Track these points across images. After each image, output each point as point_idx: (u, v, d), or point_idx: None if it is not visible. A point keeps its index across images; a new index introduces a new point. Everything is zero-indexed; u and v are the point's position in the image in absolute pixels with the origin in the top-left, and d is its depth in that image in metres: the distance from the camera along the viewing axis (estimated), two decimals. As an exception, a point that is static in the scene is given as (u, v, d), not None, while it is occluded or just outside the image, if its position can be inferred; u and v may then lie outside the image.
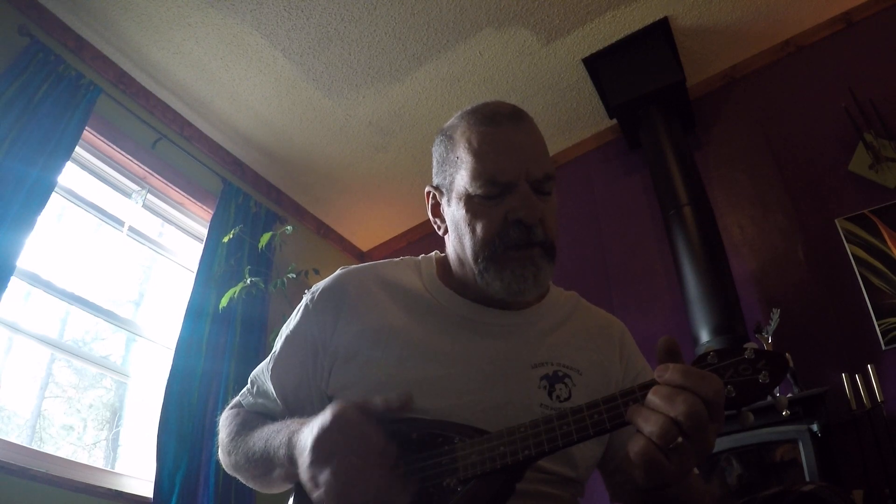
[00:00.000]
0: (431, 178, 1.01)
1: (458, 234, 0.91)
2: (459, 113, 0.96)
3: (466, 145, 0.89)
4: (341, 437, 0.72)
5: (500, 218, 0.86)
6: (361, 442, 0.72)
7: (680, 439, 0.63)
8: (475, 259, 0.88)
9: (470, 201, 0.88)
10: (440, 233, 0.99)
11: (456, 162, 0.90)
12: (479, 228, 0.87)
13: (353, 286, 0.95)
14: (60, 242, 2.67)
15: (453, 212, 0.92)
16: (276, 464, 0.83)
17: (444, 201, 0.95)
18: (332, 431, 0.73)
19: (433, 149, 0.99)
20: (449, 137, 0.94)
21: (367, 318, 0.91)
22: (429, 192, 1.00)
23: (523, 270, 0.85)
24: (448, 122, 0.98)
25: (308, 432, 0.76)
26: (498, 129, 0.88)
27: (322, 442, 0.73)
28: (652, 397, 0.65)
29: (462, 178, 0.89)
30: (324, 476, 0.71)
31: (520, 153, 0.87)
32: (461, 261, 0.93)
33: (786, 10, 2.95)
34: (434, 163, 0.98)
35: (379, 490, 0.71)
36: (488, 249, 0.86)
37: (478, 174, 0.86)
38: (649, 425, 0.63)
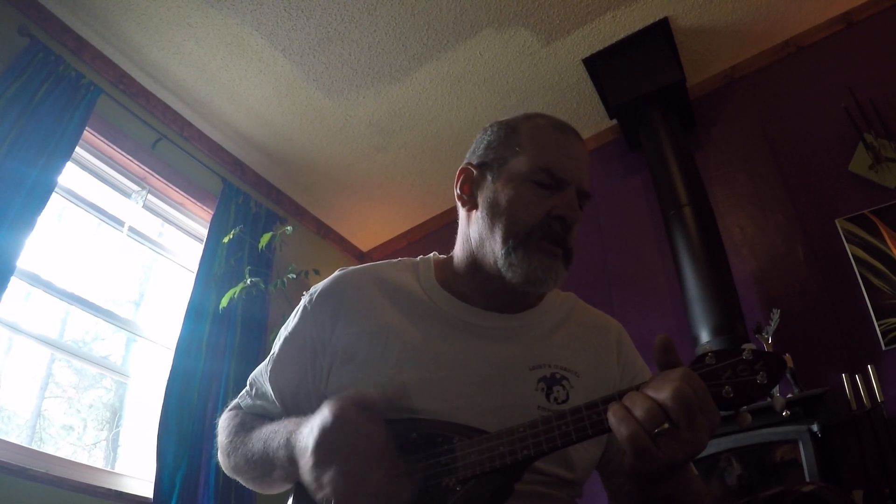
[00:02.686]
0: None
1: (493, 212, 0.92)
2: (523, 114, 1.00)
3: (534, 137, 0.94)
4: (343, 437, 0.73)
5: (545, 210, 0.89)
6: (363, 441, 0.72)
7: (666, 425, 0.63)
8: (506, 238, 0.89)
9: (523, 184, 0.91)
10: (465, 208, 0.99)
11: (515, 148, 0.94)
12: (524, 212, 0.89)
13: (351, 288, 0.95)
14: (60, 242, 2.67)
15: (497, 189, 0.93)
16: (276, 465, 0.83)
17: (487, 178, 0.96)
18: (333, 432, 0.73)
19: (481, 135, 1.01)
20: (512, 128, 0.97)
21: (365, 319, 0.91)
22: (464, 169, 1.00)
23: (551, 263, 0.89)
24: (508, 118, 1.00)
25: (308, 433, 0.76)
26: (566, 137, 0.95)
27: (324, 443, 0.73)
28: (644, 388, 0.67)
29: (520, 163, 0.92)
30: (328, 477, 0.71)
31: (579, 161, 0.93)
32: (482, 239, 0.93)
33: (786, 10, 2.95)
34: (480, 145, 1.00)
35: (383, 487, 0.71)
36: (524, 233, 0.88)
37: (539, 162, 0.91)
38: (636, 409, 0.65)
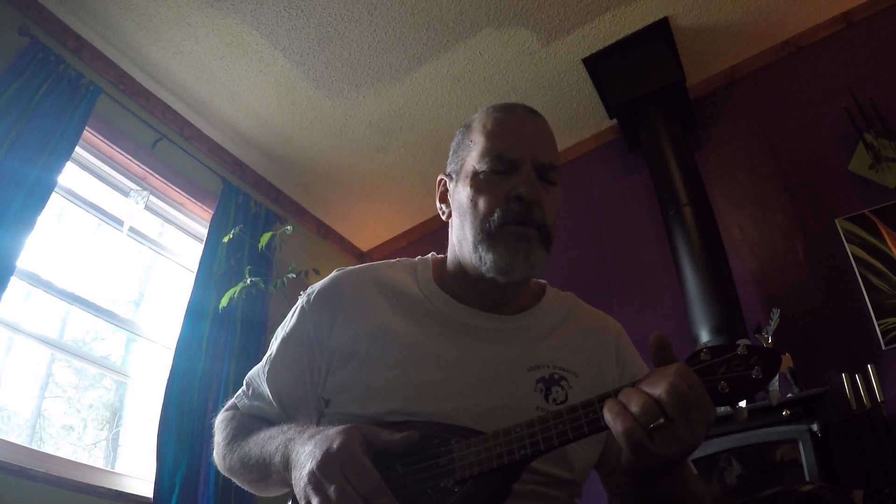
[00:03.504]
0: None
1: (460, 213, 0.93)
2: (482, 109, 1.01)
3: (481, 129, 0.95)
4: (341, 468, 0.71)
5: (503, 195, 0.89)
6: (360, 478, 0.71)
7: (662, 420, 0.63)
8: (474, 234, 0.90)
9: (476, 178, 0.92)
10: (444, 217, 1.01)
11: (469, 145, 0.95)
12: (481, 203, 0.90)
13: (350, 288, 0.95)
14: (60, 242, 2.67)
15: (459, 192, 0.94)
16: (272, 470, 0.83)
17: (452, 186, 0.98)
18: (334, 461, 0.71)
19: (451, 144, 1.02)
20: (467, 127, 0.99)
21: (363, 320, 0.91)
22: (440, 181, 1.03)
23: (517, 245, 0.87)
24: (469, 119, 1.02)
25: (309, 451, 0.75)
26: (512, 116, 0.95)
27: (322, 467, 0.71)
28: (639, 384, 0.67)
29: (472, 158, 0.93)
30: (316, 501, 0.71)
31: (529, 137, 0.93)
32: (461, 243, 0.94)
33: (786, 10, 2.95)
34: (450, 154, 1.01)
35: None
36: (487, 223, 0.88)
37: (487, 151, 0.91)
38: (632, 404, 0.65)
